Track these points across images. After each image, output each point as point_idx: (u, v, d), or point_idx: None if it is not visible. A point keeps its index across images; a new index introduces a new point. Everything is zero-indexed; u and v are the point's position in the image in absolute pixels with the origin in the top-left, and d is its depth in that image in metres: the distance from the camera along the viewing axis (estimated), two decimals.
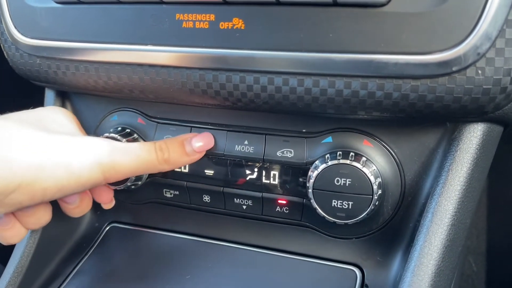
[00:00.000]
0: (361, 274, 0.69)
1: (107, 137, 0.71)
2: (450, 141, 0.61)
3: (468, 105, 0.54)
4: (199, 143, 0.68)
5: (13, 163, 0.53)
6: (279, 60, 0.56)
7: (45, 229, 0.74)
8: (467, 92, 0.53)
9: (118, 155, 0.60)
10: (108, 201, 0.73)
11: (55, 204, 0.67)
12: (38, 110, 0.68)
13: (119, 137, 0.71)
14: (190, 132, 0.72)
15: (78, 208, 0.68)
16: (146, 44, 0.61)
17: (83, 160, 0.57)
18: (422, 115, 0.57)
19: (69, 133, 0.64)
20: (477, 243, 1.14)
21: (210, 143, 0.69)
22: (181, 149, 0.66)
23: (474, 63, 0.51)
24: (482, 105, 0.54)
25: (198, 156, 0.68)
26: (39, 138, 0.57)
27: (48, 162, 0.55)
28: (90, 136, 0.62)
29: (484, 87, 0.52)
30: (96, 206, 0.83)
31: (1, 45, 0.73)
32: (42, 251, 0.73)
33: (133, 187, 0.74)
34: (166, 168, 0.65)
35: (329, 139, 0.66)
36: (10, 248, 0.75)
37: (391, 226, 0.67)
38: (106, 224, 0.82)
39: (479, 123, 0.59)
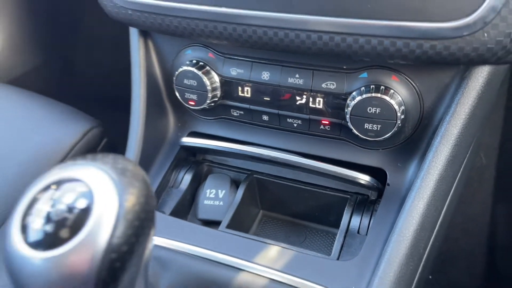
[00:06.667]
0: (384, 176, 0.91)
1: (185, 70, 0.91)
2: (462, 79, 0.77)
3: (474, 59, 0.69)
4: None
5: None
6: (326, 23, 0.72)
7: (145, 139, 0.98)
8: (475, 50, 0.68)
9: None
10: None
11: (152, 117, 0.88)
12: None
13: (195, 70, 0.91)
14: (251, 66, 0.89)
15: None
16: (220, 7, 0.77)
17: None
18: (438, 63, 0.73)
19: None
20: (490, 139, 1.30)
21: None
22: None
23: (481, 28, 0.65)
24: (486, 59, 0.69)
25: None
26: None
27: None
28: None
29: (488, 46, 0.67)
30: (176, 119, 1.06)
31: None
32: (145, 155, 0.98)
33: (207, 107, 0.95)
34: None
35: (364, 74, 0.83)
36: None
37: (410, 141, 0.87)
38: (186, 134, 1.05)
39: (486, 66, 0.75)
